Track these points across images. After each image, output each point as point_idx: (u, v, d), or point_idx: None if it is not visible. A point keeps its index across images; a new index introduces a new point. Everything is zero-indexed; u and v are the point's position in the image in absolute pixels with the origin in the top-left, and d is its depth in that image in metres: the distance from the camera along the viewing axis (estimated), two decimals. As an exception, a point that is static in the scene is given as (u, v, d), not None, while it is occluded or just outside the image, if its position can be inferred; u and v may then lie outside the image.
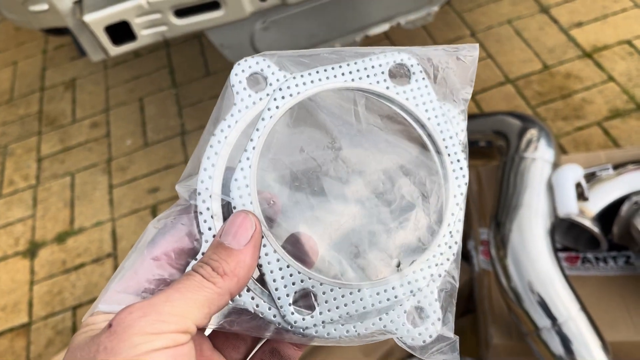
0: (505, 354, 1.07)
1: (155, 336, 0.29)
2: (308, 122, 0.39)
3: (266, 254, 0.35)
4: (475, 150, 1.30)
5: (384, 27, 1.54)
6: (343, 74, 0.39)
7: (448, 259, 0.38)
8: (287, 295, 0.35)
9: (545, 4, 2.02)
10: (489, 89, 1.82)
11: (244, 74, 0.38)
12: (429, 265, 0.37)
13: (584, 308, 0.92)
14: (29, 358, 1.55)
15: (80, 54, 2.36)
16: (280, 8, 1.36)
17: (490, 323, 1.07)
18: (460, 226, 0.39)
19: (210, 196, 0.36)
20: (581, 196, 1.01)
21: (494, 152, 1.23)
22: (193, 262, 0.34)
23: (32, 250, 1.78)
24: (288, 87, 0.38)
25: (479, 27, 2.02)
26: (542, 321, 0.92)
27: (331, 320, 0.35)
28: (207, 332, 0.37)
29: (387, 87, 0.39)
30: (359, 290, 0.36)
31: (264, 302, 0.35)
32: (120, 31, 1.31)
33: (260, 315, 0.35)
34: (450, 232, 0.39)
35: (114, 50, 1.32)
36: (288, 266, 0.35)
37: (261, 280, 0.36)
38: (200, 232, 0.35)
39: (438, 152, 0.40)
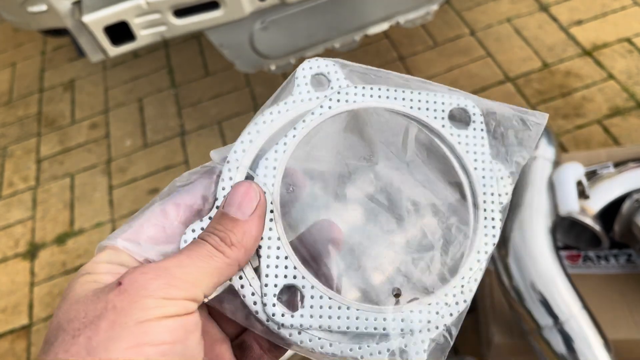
0: (507, 352, 1.07)
1: (167, 301, 0.28)
2: (355, 131, 0.39)
3: (269, 238, 0.34)
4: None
5: (384, 26, 1.54)
6: (404, 99, 0.39)
7: (452, 314, 0.36)
8: (275, 286, 0.34)
9: (545, 2, 2.02)
10: (489, 87, 1.82)
11: (310, 70, 0.38)
12: (430, 311, 0.36)
13: (585, 306, 0.92)
14: (29, 360, 1.55)
15: (79, 54, 2.36)
16: (279, 8, 1.36)
17: (491, 322, 1.07)
18: (474, 286, 0.37)
19: (237, 167, 0.35)
20: (582, 194, 1.00)
21: (494, 150, 1.23)
22: (197, 224, 0.34)
23: (32, 252, 1.78)
24: (347, 93, 0.38)
25: (479, 25, 2.01)
26: (544, 320, 0.92)
27: (310, 327, 0.34)
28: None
29: (443, 126, 0.39)
30: (348, 308, 0.34)
31: (250, 286, 0.34)
32: (119, 31, 1.30)
33: (242, 298, 0.34)
34: (463, 287, 0.37)
35: (113, 51, 1.32)
36: (286, 257, 0.34)
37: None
38: (215, 197, 0.35)
39: (475, 204, 0.39)
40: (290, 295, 0.35)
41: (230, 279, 0.34)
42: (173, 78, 2.19)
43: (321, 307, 0.34)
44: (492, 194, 0.38)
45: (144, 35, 1.32)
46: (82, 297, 0.29)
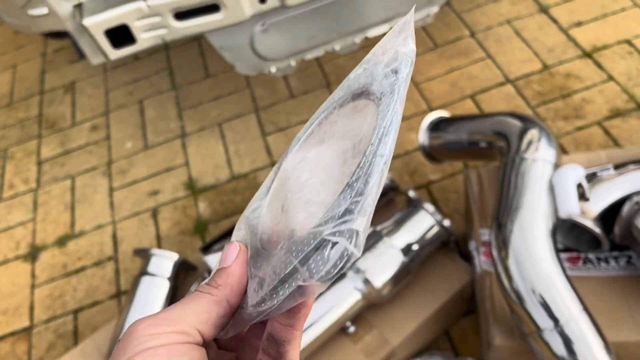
0: (507, 354, 1.07)
1: (152, 336, 0.32)
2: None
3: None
4: (476, 151, 1.30)
5: (384, 28, 1.54)
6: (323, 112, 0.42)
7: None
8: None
9: (545, 4, 2.02)
10: (489, 89, 1.82)
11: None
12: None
13: (586, 309, 0.92)
14: (30, 362, 1.56)
15: (80, 56, 2.37)
16: (279, 10, 1.36)
17: (492, 324, 1.07)
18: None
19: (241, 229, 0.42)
20: (582, 196, 1.01)
21: (494, 153, 1.23)
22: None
23: (32, 254, 1.78)
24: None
25: (479, 27, 2.02)
26: (544, 322, 0.92)
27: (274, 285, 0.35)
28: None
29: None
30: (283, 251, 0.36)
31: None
32: (120, 34, 1.31)
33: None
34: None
35: (114, 54, 1.33)
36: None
37: None
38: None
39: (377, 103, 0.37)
40: None
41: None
42: (173, 80, 2.19)
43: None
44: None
45: (145, 38, 1.32)
46: None
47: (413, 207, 1.27)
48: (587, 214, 1.00)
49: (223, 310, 0.35)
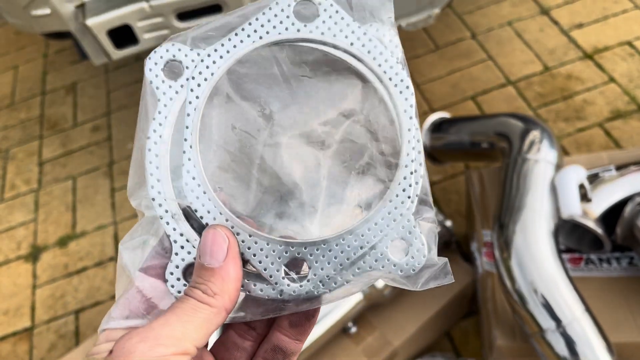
0: (509, 355, 1.07)
1: (157, 359, 0.29)
2: (237, 95, 0.37)
3: (243, 241, 0.35)
4: (478, 152, 1.30)
5: (385, 30, 1.54)
6: (249, 35, 0.36)
7: (417, 183, 0.36)
8: (277, 271, 0.35)
9: (546, 6, 2.03)
10: (490, 90, 1.82)
11: (157, 66, 0.36)
12: (395, 206, 0.36)
13: (588, 309, 0.92)
14: (31, 362, 1.56)
15: (82, 57, 2.37)
16: (281, 11, 1.36)
17: (494, 324, 1.07)
18: (419, 146, 0.36)
19: (165, 199, 0.36)
20: (584, 197, 1.01)
21: (496, 153, 1.23)
22: (170, 267, 0.35)
23: (34, 254, 1.78)
24: (200, 73, 0.36)
25: (480, 28, 2.02)
26: (547, 323, 0.92)
27: (327, 277, 0.35)
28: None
29: (299, 30, 0.36)
30: (343, 240, 0.35)
31: (267, 285, 0.35)
32: (122, 35, 1.31)
33: (267, 297, 0.35)
34: (413, 148, 0.36)
35: (117, 54, 1.33)
36: (268, 243, 0.35)
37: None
38: (169, 237, 0.36)
39: (379, 79, 0.37)
40: (293, 266, 0.36)
41: (249, 291, 0.35)
42: (175, 81, 2.20)
43: (323, 255, 0.35)
44: (381, 54, 0.37)
45: (147, 38, 1.32)
46: None
47: (415, 207, 1.26)
48: (589, 214, 1.00)
49: (222, 320, 0.33)
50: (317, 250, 0.35)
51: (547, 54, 1.87)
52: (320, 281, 0.35)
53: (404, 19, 1.54)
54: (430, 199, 0.37)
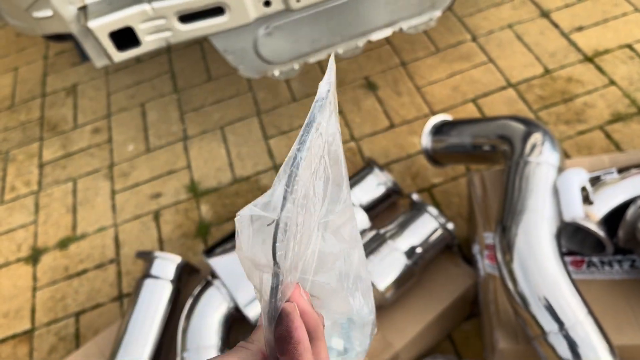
0: (511, 358, 1.07)
1: None
2: None
3: None
4: (479, 154, 1.30)
5: (387, 32, 1.54)
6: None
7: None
8: None
9: (546, 9, 2.03)
10: (491, 93, 1.82)
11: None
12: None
13: (591, 312, 0.92)
14: (32, 364, 1.55)
15: (83, 59, 2.37)
16: (283, 13, 1.37)
17: (496, 327, 1.07)
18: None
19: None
20: (586, 200, 1.01)
21: (498, 156, 1.23)
22: None
23: (34, 257, 1.78)
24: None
25: (480, 31, 2.02)
26: (549, 325, 0.92)
27: None
28: None
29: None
30: None
31: None
32: (124, 37, 1.31)
33: None
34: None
35: (118, 56, 1.33)
36: None
37: None
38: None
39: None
40: None
41: None
42: (175, 83, 2.20)
43: None
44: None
45: (149, 40, 1.32)
46: None
47: (416, 210, 1.27)
48: (591, 217, 1.00)
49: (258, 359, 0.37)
50: None
51: (548, 57, 1.87)
52: None
53: (405, 22, 1.54)
54: None
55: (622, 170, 1.12)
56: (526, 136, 1.15)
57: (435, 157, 1.41)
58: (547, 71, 1.84)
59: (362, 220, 1.26)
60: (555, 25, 1.97)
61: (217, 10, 1.30)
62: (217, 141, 1.95)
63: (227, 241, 1.32)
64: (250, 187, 1.79)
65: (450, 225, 1.24)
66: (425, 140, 1.40)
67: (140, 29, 1.29)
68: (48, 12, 1.30)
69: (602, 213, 1.01)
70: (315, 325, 0.35)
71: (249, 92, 2.08)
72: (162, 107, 2.12)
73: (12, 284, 1.73)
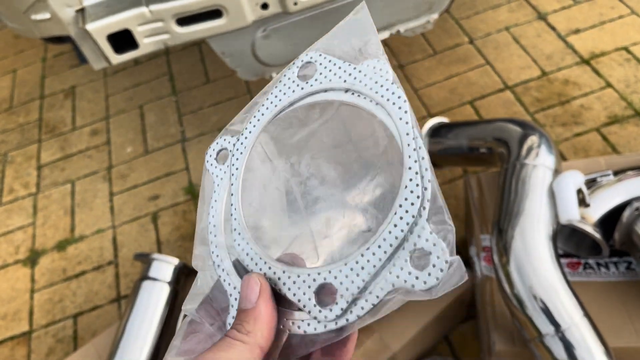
0: (508, 360, 1.07)
1: None
2: (272, 156, 0.45)
3: (279, 278, 0.39)
4: (476, 156, 1.31)
5: (384, 35, 1.55)
6: (267, 107, 0.44)
7: (426, 188, 0.35)
8: (309, 299, 0.37)
9: (543, 11, 2.04)
10: (488, 95, 1.83)
11: (212, 157, 0.45)
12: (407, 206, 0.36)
13: (587, 314, 0.93)
14: (29, 367, 1.55)
15: (81, 61, 2.37)
16: (281, 16, 1.37)
17: (492, 329, 1.07)
18: (423, 152, 0.36)
19: (221, 260, 0.42)
20: (582, 202, 1.01)
21: (494, 158, 1.24)
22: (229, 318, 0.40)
23: (32, 258, 1.78)
24: (237, 149, 0.44)
25: (477, 34, 2.03)
26: (546, 327, 0.92)
27: (354, 300, 0.36)
28: None
29: (302, 88, 0.43)
30: (362, 255, 0.36)
31: (303, 320, 0.38)
32: (122, 39, 1.31)
33: (304, 333, 0.38)
34: (414, 150, 0.36)
35: (116, 59, 1.33)
36: (298, 275, 0.38)
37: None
38: (226, 292, 0.41)
39: (372, 98, 0.39)
40: (323, 295, 0.38)
41: (290, 329, 0.38)
42: (174, 85, 2.20)
43: (347, 276, 0.37)
44: (377, 80, 0.40)
45: (147, 43, 1.33)
46: None
47: (414, 212, 1.27)
48: (587, 219, 1.01)
49: (257, 355, 0.36)
50: (340, 271, 0.36)
51: (545, 59, 1.88)
52: (348, 305, 0.36)
53: (402, 24, 1.55)
54: (441, 202, 0.35)
55: (618, 172, 1.12)
56: (523, 138, 1.15)
57: (432, 159, 1.41)
58: (543, 73, 1.84)
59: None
60: (552, 28, 1.98)
61: (215, 13, 1.30)
62: (215, 143, 1.95)
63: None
64: (248, 189, 1.79)
65: (447, 228, 1.24)
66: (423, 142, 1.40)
67: (138, 31, 1.30)
68: (46, 15, 1.30)
69: (598, 215, 1.02)
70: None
71: (247, 94, 2.08)
72: (161, 109, 2.13)
73: (10, 286, 1.73)
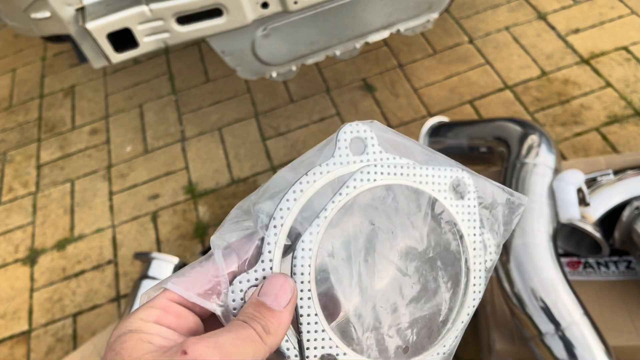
0: (507, 358, 1.07)
1: None
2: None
3: (308, 315, 0.38)
4: (476, 156, 1.31)
5: (384, 34, 1.55)
6: (415, 175, 0.43)
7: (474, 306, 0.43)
8: (315, 356, 0.38)
9: (543, 11, 2.04)
10: (488, 95, 1.83)
11: (351, 134, 0.42)
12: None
13: (587, 313, 0.93)
14: (29, 366, 1.55)
15: (80, 60, 2.37)
16: (281, 15, 1.37)
17: (493, 328, 1.07)
18: (458, 338, 0.43)
19: (277, 229, 0.39)
20: (582, 201, 1.01)
21: (494, 157, 1.24)
22: (244, 276, 0.37)
23: (31, 258, 1.78)
24: (368, 172, 0.41)
25: (477, 33, 2.03)
26: (546, 326, 0.92)
27: None
28: None
29: (445, 197, 0.43)
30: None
31: (294, 348, 0.38)
32: (122, 38, 1.31)
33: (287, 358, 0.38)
34: (452, 339, 0.43)
35: (116, 58, 1.33)
36: (323, 330, 0.38)
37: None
38: (261, 260, 0.38)
39: (467, 267, 0.43)
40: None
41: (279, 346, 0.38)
42: (173, 84, 2.20)
43: None
44: (481, 258, 0.43)
45: (147, 42, 1.32)
46: (141, 357, 0.32)
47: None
48: (588, 218, 1.01)
49: (265, 355, 0.36)
50: None
51: (544, 59, 1.88)
52: None
53: (402, 23, 1.55)
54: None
55: (618, 171, 1.12)
56: (523, 138, 1.15)
57: (432, 158, 1.41)
58: (543, 73, 1.84)
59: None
60: (552, 28, 1.98)
61: (215, 12, 1.30)
62: (215, 142, 1.95)
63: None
64: (248, 188, 1.79)
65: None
66: (423, 141, 1.40)
67: (138, 30, 1.30)
68: (46, 13, 1.30)
69: (598, 214, 1.02)
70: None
71: (247, 93, 2.08)
72: (160, 109, 2.12)
73: (9, 285, 1.73)
